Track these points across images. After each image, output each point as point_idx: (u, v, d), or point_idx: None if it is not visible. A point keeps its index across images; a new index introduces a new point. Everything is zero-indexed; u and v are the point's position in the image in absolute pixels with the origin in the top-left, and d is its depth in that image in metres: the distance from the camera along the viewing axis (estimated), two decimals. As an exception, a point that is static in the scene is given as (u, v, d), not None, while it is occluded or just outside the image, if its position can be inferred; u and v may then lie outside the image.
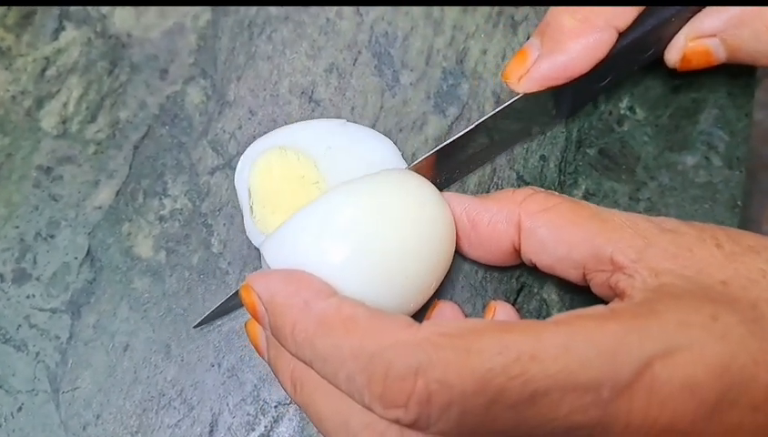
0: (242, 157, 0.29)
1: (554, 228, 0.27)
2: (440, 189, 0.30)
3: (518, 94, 0.31)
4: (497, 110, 0.31)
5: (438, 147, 0.31)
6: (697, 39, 0.31)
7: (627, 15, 0.30)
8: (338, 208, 0.27)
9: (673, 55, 0.32)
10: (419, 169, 0.31)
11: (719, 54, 0.31)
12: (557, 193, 0.28)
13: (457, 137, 0.31)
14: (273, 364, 0.27)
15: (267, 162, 0.28)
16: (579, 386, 0.21)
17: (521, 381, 0.21)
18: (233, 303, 0.30)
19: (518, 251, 0.28)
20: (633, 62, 0.32)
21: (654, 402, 0.21)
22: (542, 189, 0.29)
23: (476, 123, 0.31)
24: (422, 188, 0.28)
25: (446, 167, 0.32)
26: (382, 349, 0.22)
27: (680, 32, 0.31)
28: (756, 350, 0.22)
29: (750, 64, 0.31)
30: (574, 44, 0.29)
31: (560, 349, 0.21)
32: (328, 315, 0.24)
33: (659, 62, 0.33)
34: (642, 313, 0.23)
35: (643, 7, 0.30)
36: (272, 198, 0.28)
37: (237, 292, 0.27)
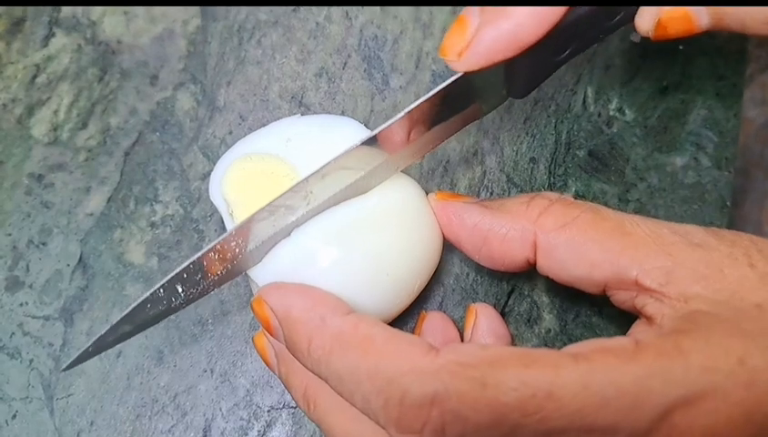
0: (211, 175, 0.30)
1: (573, 246, 0.25)
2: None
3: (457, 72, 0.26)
4: (431, 94, 0.26)
5: (371, 134, 0.26)
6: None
7: None
8: (322, 214, 0.27)
9: (646, 20, 0.26)
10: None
11: (701, 19, 0.26)
12: (574, 201, 0.26)
13: (388, 123, 0.26)
14: (285, 380, 0.27)
15: (236, 171, 0.29)
16: (595, 429, 0.21)
17: (537, 419, 0.21)
18: (106, 342, 0.26)
19: (532, 265, 0.27)
20: (598, 29, 0.27)
21: None
22: (557, 196, 0.26)
23: (407, 109, 0.26)
24: (407, 190, 0.29)
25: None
26: (400, 374, 0.22)
27: None
28: None
29: (738, 31, 0.26)
30: (520, 8, 0.24)
31: (578, 386, 0.21)
32: (345, 333, 0.23)
33: (631, 31, 0.28)
34: (668, 352, 0.21)
35: None
36: (248, 200, 0.28)
37: (111, 329, 0.25)
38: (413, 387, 0.21)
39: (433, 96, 0.26)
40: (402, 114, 0.26)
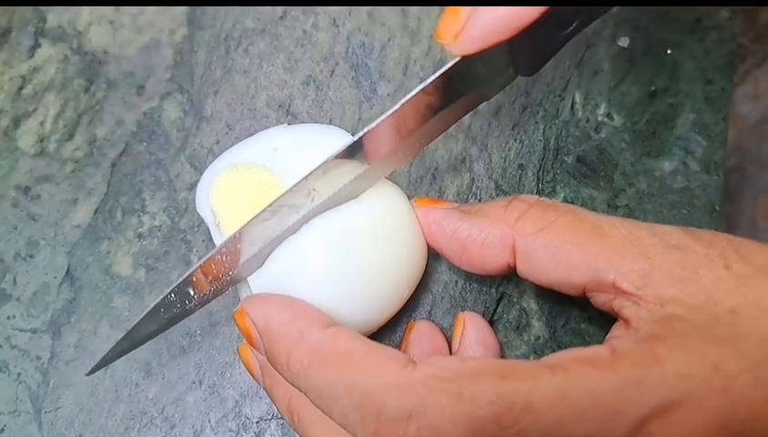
0: (198, 186, 0.30)
1: (551, 249, 0.25)
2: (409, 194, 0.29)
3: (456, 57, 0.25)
4: (432, 78, 0.25)
5: (377, 121, 0.26)
6: None
7: None
8: (311, 222, 0.27)
9: None
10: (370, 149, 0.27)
11: None
12: (552, 203, 0.26)
13: (391, 111, 0.26)
14: (269, 392, 0.27)
15: (223, 182, 0.29)
16: None
17: (515, 431, 0.21)
18: (127, 345, 0.27)
19: (512, 269, 0.27)
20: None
21: None
22: (535, 199, 0.26)
23: (410, 95, 0.25)
24: (393, 197, 0.29)
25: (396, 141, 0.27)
26: (376, 388, 0.22)
27: None
28: (759, 402, 0.21)
29: None
30: None
31: (555, 397, 0.21)
32: (323, 347, 0.23)
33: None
34: (643, 360, 0.21)
35: None
36: (235, 212, 0.28)
37: (128, 334, 0.27)
38: (389, 401, 0.21)
39: (433, 82, 0.25)
40: (394, 108, 0.26)
